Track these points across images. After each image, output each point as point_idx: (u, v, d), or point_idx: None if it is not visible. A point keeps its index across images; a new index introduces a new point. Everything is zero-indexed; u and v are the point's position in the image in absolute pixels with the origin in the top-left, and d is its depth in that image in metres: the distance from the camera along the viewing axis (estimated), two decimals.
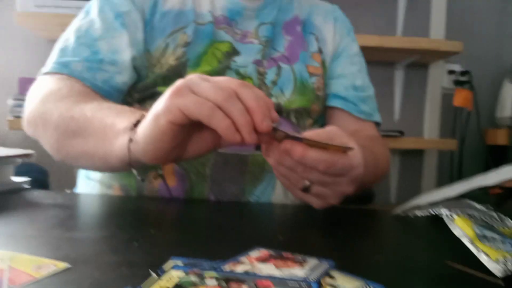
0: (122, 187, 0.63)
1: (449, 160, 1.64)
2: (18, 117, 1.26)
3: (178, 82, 0.40)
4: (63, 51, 0.63)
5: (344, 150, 0.41)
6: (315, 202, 0.46)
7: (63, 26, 1.33)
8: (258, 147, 0.44)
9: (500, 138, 1.54)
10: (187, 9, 0.69)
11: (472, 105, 1.58)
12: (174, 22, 0.68)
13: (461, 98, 1.56)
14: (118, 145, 0.46)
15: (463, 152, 1.62)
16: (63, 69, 0.61)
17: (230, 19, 0.71)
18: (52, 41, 1.46)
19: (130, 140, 0.44)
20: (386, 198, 1.65)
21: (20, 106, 1.27)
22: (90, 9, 0.69)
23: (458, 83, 1.61)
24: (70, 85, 0.58)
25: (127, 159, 0.46)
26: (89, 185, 0.68)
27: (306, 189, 0.43)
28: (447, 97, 1.65)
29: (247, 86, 0.40)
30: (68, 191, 0.90)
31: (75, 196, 0.59)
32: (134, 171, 0.49)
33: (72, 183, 0.76)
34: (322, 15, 0.79)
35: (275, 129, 0.39)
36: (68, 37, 0.65)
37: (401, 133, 1.43)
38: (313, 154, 0.40)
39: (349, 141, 0.43)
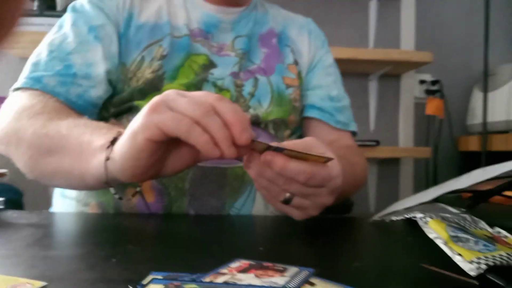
0: (99, 204, 0.62)
1: (424, 167, 1.69)
2: None
3: (155, 98, 0.40)
4: (35, 65, 0.62)
5: (325, 160, 0.41)
6: (296, 214, 0.46)
7: (34, 43, 1.32)
8: (240, 158, 0.44)
9: (471, 144, 1.59)
10: (163, 22, 0.70)
11: (444, 113, 1.63)
12: (149, 35, 0.68)
13: (432, 107, 1.61)
14: (95, 163, 0.45)
15: (437, 160, 1.67)
16: (36, 84, 0.60)
17: (206, 32, 0.72)
18: (24, 59, 1.44)
19: (107, 158, 0.44)
20: (365, 207, 1.67)
21: None
22: (63, 23, 0.68)
23: (429, 92, 1.67)
24: (44, 101, 0.57)
25: (104, 177, 0.45)
26: (65, 203, 0.66)
27: (287, 201, 0.43)
28: (419, 106, 1.70)
29: (224, 100, 0.40)
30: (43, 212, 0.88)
31: (50, 215, 0.58)
32: (112, 190, 0.49)
33: (47, 203, 0.74)
34: (296, 28, 0.81)
35: (254, 141, 0.40)
36: (40, 51, 0.64)
37: (377, 142, 1.46)
38: (294, 166, 0.40)
39: (327, 151, 0.44)
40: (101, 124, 0.52)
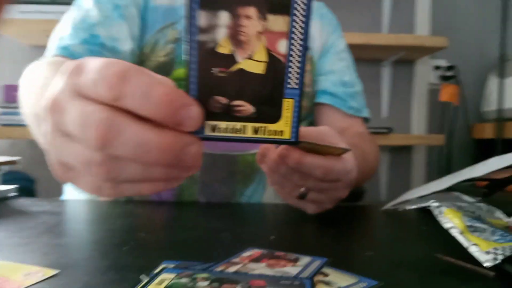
0: None
1: (437, 155, 1.66)
2: (4, 125, 1.24)
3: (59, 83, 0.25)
4: (61, 39, 0.59)
5: (340, 152, 0.40)
6: (311, 208, 0.45)
7: (47, 32, 1.32)
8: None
9: (487, 132, 1.56)
10: (177, 4, 0.68)
11: (459, 100, 1.60)
12: (163, 17, 0.66)
13: (447, 93, 1.58)
14: None
15: (451, 147, 1.64)
16: (63, 52, 0.57)
17: None
18: (36, 48, 1.45)
19: None
20: (377, 194, 1.66)
21: (6, 114, 1.25)
22: (82, 1, 0.65)
23: (444, 78, 1.64)
24: (62, 60, 0.53)
25: None
26: (77, 191, 0.67)
27: (302, 196, 0.42)
28: (434, 93, 1.67)
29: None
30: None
31: (63, 202, 0.58)
32: None
33: (59, 190, 0.75)
34: None
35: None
36: (62, 28, 0.61)
37: (389, 129, 1.44)
38: (310, 160, 0.38)
39: (340, 142, 0.42)
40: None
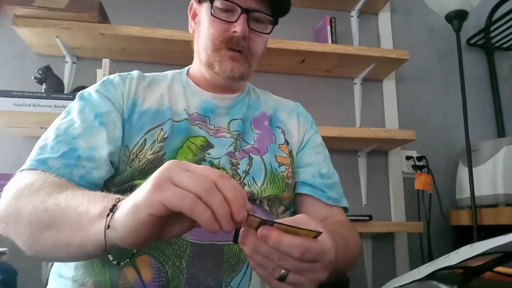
0: (96, 284, 0.62)
1: (418, 241, 1.69)
2: None
3: (158, 173, 0.42)
4: (42, 149, 0.66)
5: (315, 235, 0.43)
6: None
7: (39, 124, 1.38)
8: (235, 239, 0.46)
9: (462, 219, 1.61)
10: (164, 108, 0.76)
11: (432, 188, 1.68)
12: (152, 120, 0.74)
13: (421, 182, 1.66)
14: (94, 231, 0.47)
15: (430, 234, 1.67)
16: (41, 165, 0.62)
17: (204, 116, 0.78)
18: (28, 138, 1.50)
19: (107, 227, 0.45)
20: (363, 283, 1.63)
21: None
22: (71, 109, 0.73)
23: (416, 167, 1.73)
24: (44, 177, 0.59)
25: (103, 244, 0.46)
26: (61, 283, 0.66)
27: (282, 278, 0.44)
28: (408, 181, 1.75)
29: (225, 177, 0.43)
30: None
31: None
32: (110, 257, 0.49)
33: (39, 282, 0.73)
34: (286, 111, 0.88)
35: (249, 215, 0.42)
36: (47, 136, 0.68)
37: (370, 217, 1.48)
38: (288, 240, 0.42)
39: (317, 227, 0.46)
40: (98, 193, 0.53)
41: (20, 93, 1.34)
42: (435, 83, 1.91)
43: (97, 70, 1.46)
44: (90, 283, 0.62)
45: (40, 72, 1.40)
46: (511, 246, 0.42)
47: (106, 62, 1.45)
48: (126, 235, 0.44)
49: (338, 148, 1.67)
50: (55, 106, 1.36)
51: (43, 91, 1.39)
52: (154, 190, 0.41)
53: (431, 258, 1.64)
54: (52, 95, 1.36)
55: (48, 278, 0.79)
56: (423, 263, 1.64)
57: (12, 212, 0.56)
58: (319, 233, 0.43)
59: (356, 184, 1.72)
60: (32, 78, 1.41)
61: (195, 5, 0.86)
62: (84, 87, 1.48)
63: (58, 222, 0.51)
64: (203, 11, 0.80)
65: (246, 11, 0.75)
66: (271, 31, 0.81)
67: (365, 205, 1.71)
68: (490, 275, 0.61)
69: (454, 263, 0.43)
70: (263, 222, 0.43)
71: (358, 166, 1.74)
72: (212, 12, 0.76)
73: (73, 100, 1.33)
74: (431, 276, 0.48)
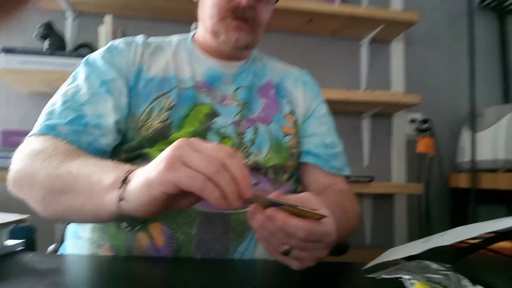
0: (112, 247, 0.65)
1: (417, 202, 1.74)
2: (1, 168, 1.26)
3: (169, 152, 0.44)
4: (50, 114, 0.66)
5: (319, 217, 0.46)
6: (294, 264, 0.50)
7: (44, 82, 1.38)
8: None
9: (461, 181, 1.65)
10: (170, 75, 0.76)
11: (434, 151, 1.70)
12: (158, 88, 0.74)
13: (423, 145, 1.68)
14: (107, 200, 0.49)
15: (429, 196, 1.72)
16: (50, 131, 0.64)
17: (210, 84, 0.78)
18: (34, 94, 1.51)
19: (121, 199, 0.48)
20: (362, 239, 1.71)
21: (4, 157, 1.27)
22: (77, 75, 0.73)
23: (420, 130, 1.75)
24: (56, 144, 0.61)
25: (116, 213, 0.49)
26: (78, 244, 0.70)
27: (286, 253, 0.47)
28: (411, 144, 1.77)
29: (233, 157, 0.45)
30: (52, 247, 0.91)
31: (66, 258, 0.61)
32: (123, 224, 0.52)
33: (53, 238, 0.77)
34: (293, 80, 0.88)
35: (257, 195, 0.45)
36: (55, 101, 0.68)
37: (371, 178, 1.52)
38: (294, 222, 0.45)
39: (322, 207, 0.48)
40: (109, 162, 0.55)
41: (23, 50, 1.33)
42: (444, 46, 1.87)
43: (100, 27, 1.43)
44: (107, 246, 0.66)
45: (42, 28, 1.38)
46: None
47: (108, 19, 1.42)
48: (140, 207, 0.46)
49: (343, 110, 1.67)
50: (58, 64, 1.35)
51: (45, 49, 1.38)
52: (166, 170, 0.43)
53: (428, 219, 1.71)
54: (56, 53, 1.35)
55: (63, 236, 0.84)
56: (420, 223, 1.70)
57: (25, 176, 0.58)
58: (322, 217, 0.46)
59: (358, 146, 1.74)
60: (33, 36, 1.39)
61: None
62: (86, 45, 1.48)
63: (70, 189, 0.53)
64: None
65: None
66: (277, 0, 0.79)
67: (366, 166, 1.74)
68: (483, 252, 0.64)
69: (449, 243, 0.45)
70: (271, 203, 0.45)
71: (361, 128, 1.75)
72: None
73: (76, 57, 1.35)
74: (425, 252, 0.51)
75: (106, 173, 0.51)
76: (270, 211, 0.45)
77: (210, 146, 0.45)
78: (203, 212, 0.66)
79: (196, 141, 0.46)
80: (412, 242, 0.56)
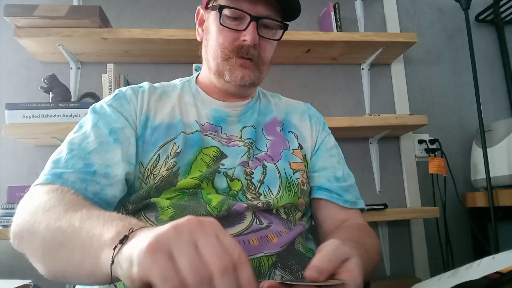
0: None
1: (435, 225, 1.68)
2: (6, 226, 1.24)
3: (164, 232, 0.36)
4: (56, 163, 0.65)
5: (340, 283, 0.42)
6: None
7: (49, 134, 1.38)
8: None
9: (479, 200, 1.59)
10: (176, 121, 0.75)
11: (447, 171, 1.66)
12: (164, 135, 0.73)
13: (435, 165, 1.64)
14: (103, 259, 0.43)
15: (446, 217, 1.66)
16: (56, 179, 0.62)
17: (216, 126, 0.77)
18: (39, 147, 1.51)
19: (112, 262, 0.41)
20: (381, 271, 1.64)
21: (9, 215, 1.26)
22: (83, 123, 0.72)
23: (429, 151, 1.71)
24: (61, 194, 0.58)
25: (112, 275, 0.42)
26: None
27: None
28: (422, 165, 1.73)
29: (229, 273, 0.34)
30: None
31: None
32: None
33: None
34: (298, 115, 0.87)
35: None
36: (61, 150, 0.67)
37: (385, 206, 1.47)
38: None
39: (350, 249, 0.46)
40: (114, 214, 0.50)
41: (28, 105, 1.35)
42: (444, 63, 1.87)
43: (102, 74, 1.46)
44: None
45: (46, 81, 1.40)
46: None
47: (110, 66, 1.44)
48: (126, 279, 0.39)
49: (349, 137, 1.66)
50: (63, 115, 1.36)
51: (50, 101, 1.39)
52: (146, 254, 0.35)
53: (448, 242, 1.64)
54: (59, 105, 1.36)
55: None
56: (441, 247, 1.64)
57: (26, 228, 0.55)
58: (344, 280, 0.43)
59: (369, 171, 1.71)
60: (39, 88, 1.42)
61: (202, 11, 0.84)
62: (91, 94, 1.49)
63: (71, 242, 0.48)
64: (211, 19, 0.79)
65: (255, 18, 0.73)
66: (281, 37, 0.80)
67: (379, 192, 1.70)
68: None
69: (479, 277, 0.42)
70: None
71: (370, 153, 1.73)
72: (220, 21, 0.74)
73: (80, 108, 1.36)
74: None
75: (108, 225, 0.46)
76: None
77: (215, 246, 0.35)
78: None
79: (207, 230, 0.37)
80: (439, 277, 0.52)
